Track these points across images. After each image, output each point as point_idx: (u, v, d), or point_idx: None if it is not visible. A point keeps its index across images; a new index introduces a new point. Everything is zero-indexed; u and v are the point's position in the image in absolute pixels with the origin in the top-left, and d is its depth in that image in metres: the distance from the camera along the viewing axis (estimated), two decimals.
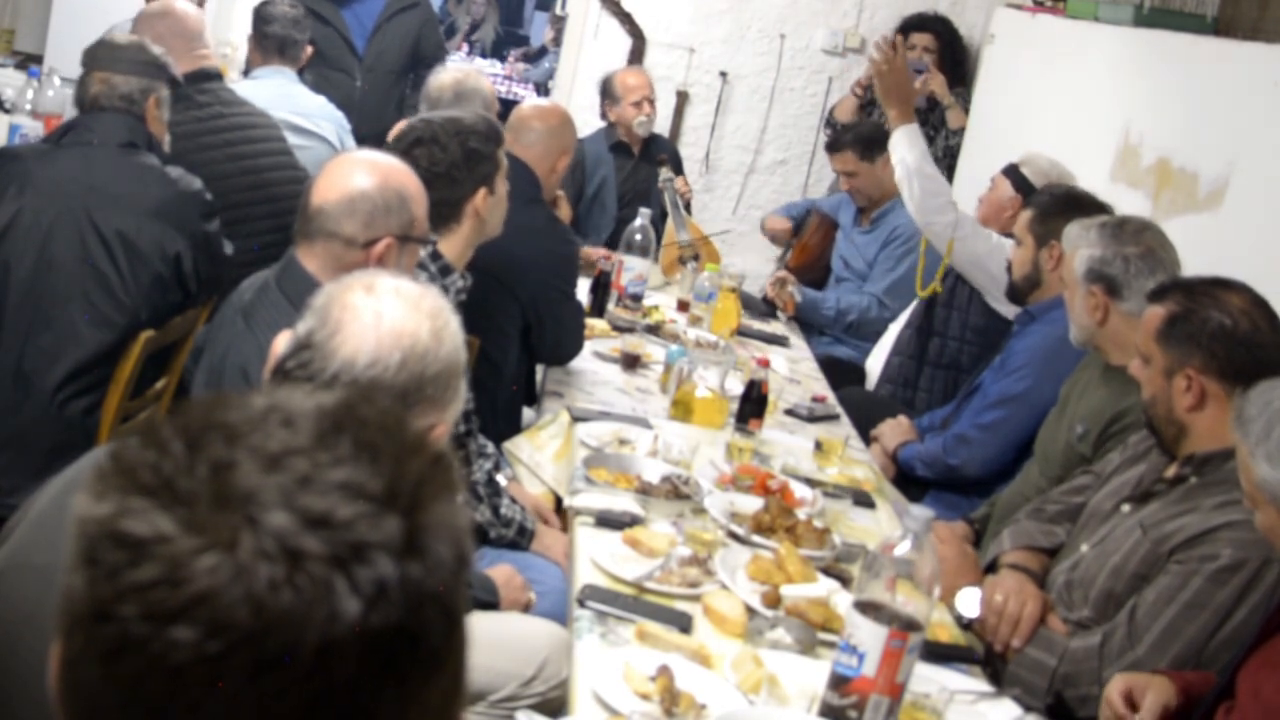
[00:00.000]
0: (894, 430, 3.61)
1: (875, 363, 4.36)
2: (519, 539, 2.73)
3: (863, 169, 4.69)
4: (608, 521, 2.41)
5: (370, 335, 1.57)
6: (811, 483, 2.82)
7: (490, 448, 2.87)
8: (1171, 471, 2.34)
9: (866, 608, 1.79)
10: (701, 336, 3.92)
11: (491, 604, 2.45)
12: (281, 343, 1.64)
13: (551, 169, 3.50)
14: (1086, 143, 4.08)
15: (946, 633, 2.31)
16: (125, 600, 0.70)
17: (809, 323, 4.65)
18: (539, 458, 3.00)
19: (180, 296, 2.99)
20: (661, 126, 5.81)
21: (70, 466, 1.50)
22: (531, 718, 2.07)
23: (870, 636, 1.77)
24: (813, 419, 3.45)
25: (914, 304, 4.17)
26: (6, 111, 4.44)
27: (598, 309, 3.98)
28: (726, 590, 2.20)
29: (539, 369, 3.57)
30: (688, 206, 4.96)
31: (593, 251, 4.43)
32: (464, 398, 1.68)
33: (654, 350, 3.69)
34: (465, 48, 10.39)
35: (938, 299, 3.94)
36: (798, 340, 4.40)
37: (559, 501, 2.91)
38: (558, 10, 8.38)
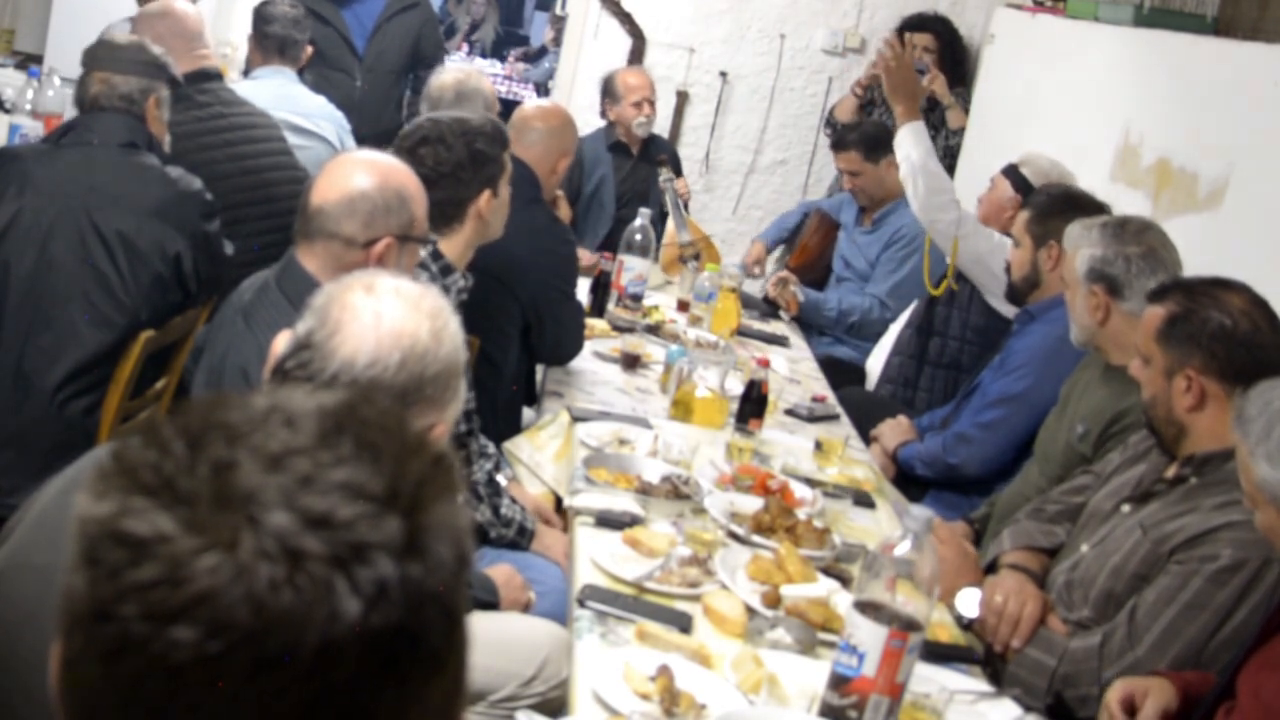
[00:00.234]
0: (894, 430, 3.61)
1: (876, 363, 4.36)
2: (519, 539, 2.73)
3: (867, 169, 4.69)
4: (608, 521, 2.41)
5: (370, 335, 1.57)
6: (811, 483, 2.82)
7: (490, 448, 2.87)
8: (1171, 472, 2.34)
9: (866, 608, 1.79)
10: (701, 336, 3.92)
11: (492, 604, 2.45)
12: (281, 343, 1.64)
13: (552, 170, 3.51)
14: (1086, 143, 4.08)
15: (946, 633, 2.31)
16: (126, 600, 0.70)
17: (810, 323, 4.65)
18: (539, 458, 3.00)
19: (180, 296, 2.99)
20: (661, 126, 5.81)
21: (70, 466, 1.50)
22: (531, 718, 2.07)
23: (870, 636, 1.77)
24: (813, 419, 3.45)
25: (914, 303, 4.17)
26: (6, 111, 4.44)
27: (598, 309, 3.98)
28: (726, 590, 2.20)
29: (539, 369, 3.57)
30: (686, 206, 4.96)
31: (588, 256, 4.43)
32: (464, 398, 1.68)
33: (654, 350, 3.69)
34: (465, 48, 10.39)
35: (939, 298, 3.94)
36: (798, 340, 4.40)
37: (559, 501, 2.91)
38: (558, 10, 8.38)
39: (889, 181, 4.53)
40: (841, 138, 4.86)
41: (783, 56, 6.13)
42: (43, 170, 2.92)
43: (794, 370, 3.95)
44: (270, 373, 1.62)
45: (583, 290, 3.77)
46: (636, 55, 6.09)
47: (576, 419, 2.98)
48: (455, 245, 2.78)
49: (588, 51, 6.12)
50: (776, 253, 5.29)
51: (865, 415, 3.72)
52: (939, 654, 2.17)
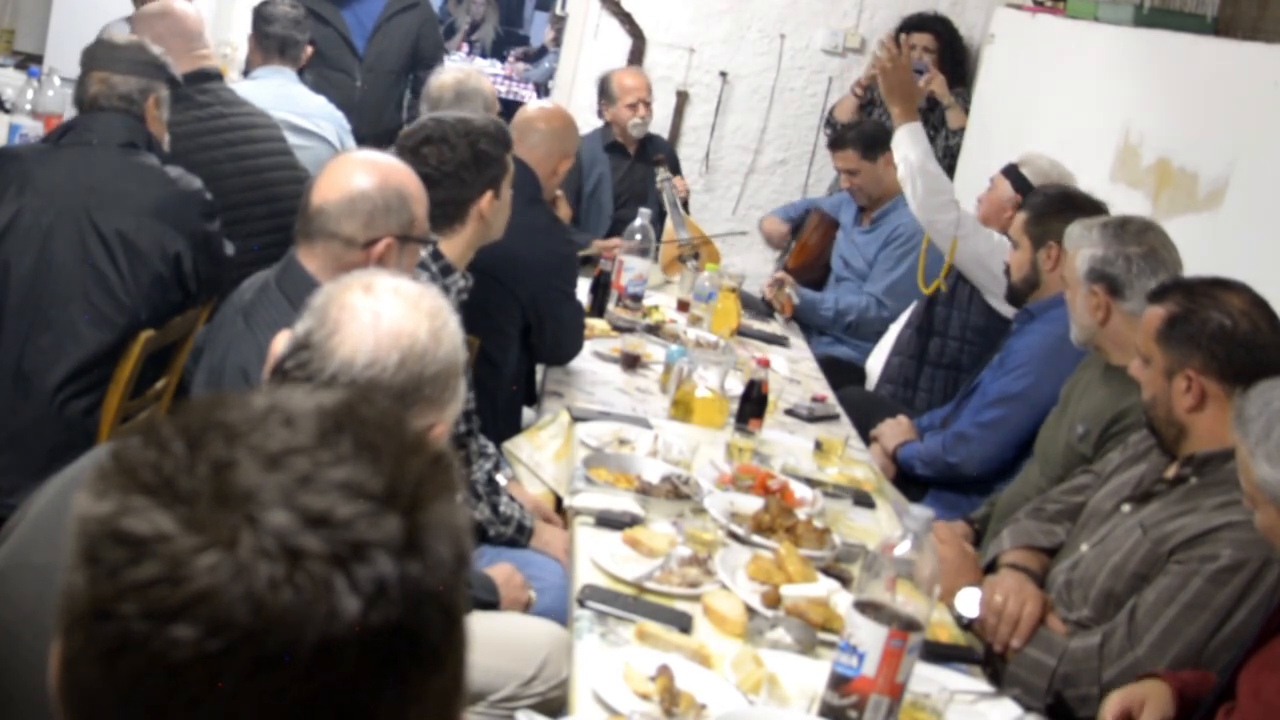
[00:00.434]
0: (894, 430, 3.61)
1: (875, 363, 4.36)
2: (518, 536, 2.73)
3: (864, 168, 4.69)
4: (608, 521, 2.41)
5: (369, 335, 1.57)
6: (811, 483, 2.82)
7: (490, 448, 2.87)
8: (1172, 472, 2.34)
9: (866, 608, 1.79)
10: (701, 336, 3.92)
11: (491, 603, 2.45)
12: (280, 343, 1.64)
13: (553, 171, 3.51)
14: (1086, 143, 4.08)
15: (946, 633, 2.31)
16: (125, 598, 0.70)
17: (807, 323, 4.65)
18: (539, 458, 3.00)
19: (180, 296, 2.99)
20: (661, 126, 5.81)
21: (70, 466, 1.50)
22: (531, 718, 2.07)
23: (870, 636, 1.77)
24: (813, 419, 3.45)
25: (914, 304, 4.17)
26: (6, 111, 4.44)
27: (598, 309, 3.98)
28: (726, 590, 2.20)
29: (539, 369, 3.57)
30: (685, 206, 4.96)
31: (603, 243, 4.43)
32: (463, 398, 1.68)
33: (654, 350, 3.69)
34: (465, 48, 10.39)
35: (938, 299, 3.94)
36: (798, 340, 4.40)
37: (559, 501, 2.91)
38: (558, 10, 8.38)
39: (887, 180, 4.53)
40: (839, 136, 4.86)
41: (783, 56, 6.13)
42: (42, 170, 2.92)
43: (794, 370, 3.95)
44: (270, 373, 1.62)
45: (583, 290, 3.78)
46: (636, 55, 6.09)
47: (576, 419, 2.98)
48: (456, 245, 2.78)
49: (588, 51, 6.12)
50: (776, 253, 5.29)
51: (865, 415, 3.72)
52: (939, 654, 2.17)
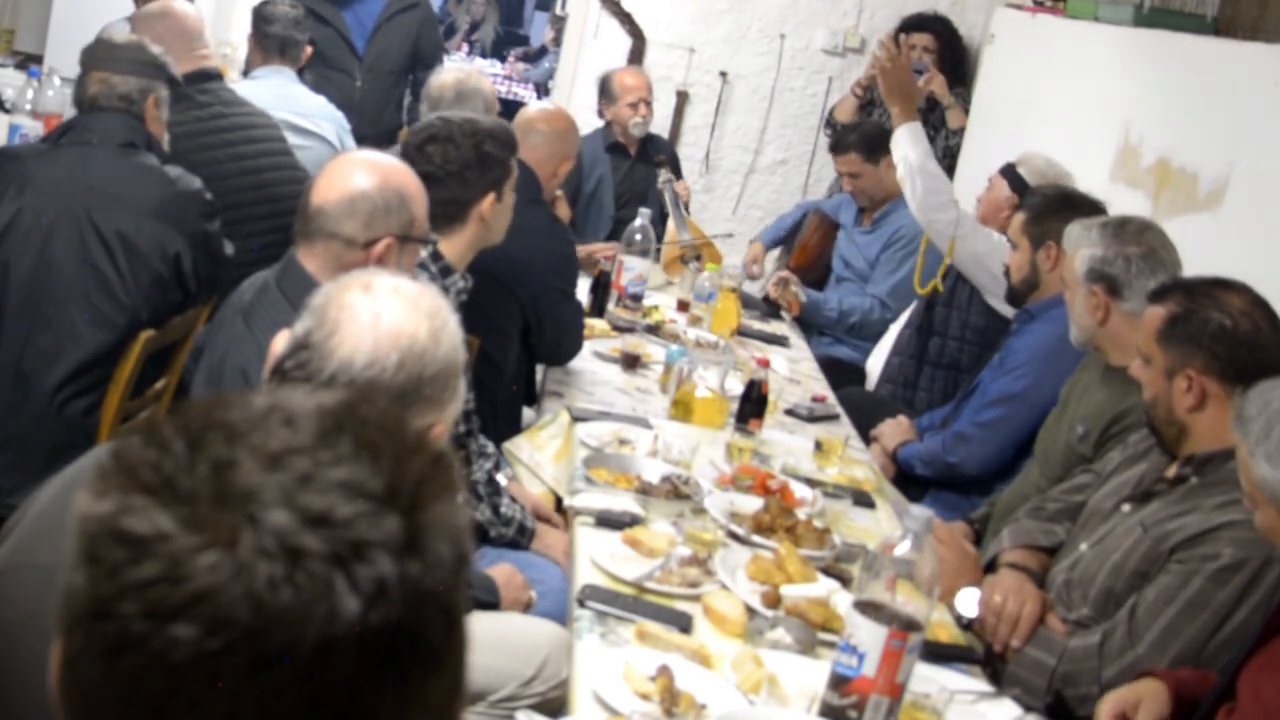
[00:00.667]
0: (894, 430, 3.61)
1: (876, 363, 4.36)
2: (519, 538, 2.73)
3: (866, 170, 4.69)
4: (608, 521, 2.41)
5: (368, 335, 1.57)
6: (811, 483, 2.82)
7: (490, 448, 2.87)
8: (1172, 471, 2.34)
9: (866, 608, 1.79)
10: (701, 336, 3.92)
11: (492, 604, 2.45)
12: (280, 343, 1.63)
13: (553, 173, 3.51)
14: (1086, 143, 4.08)
15: (946, 633, 2.31)
16: (126, 598, 0.70)
17: (811, 323, 4.65)
18: (539, 458, 3.00)
19: (180, 296, 2.99)
20: (661, 126, 5.81)
21: (70, 466, 1.50)
22: (531, 718, 2.07)
23: (870, 636, 1.77)
24: (813, 419, 3.45)
25: (914, 304, 4.17)
26: (6, 111, 4.44)
27: (598, 309, 3.98)
28: (726, 590, 2.20)
29: (539, 369, 3.57)
30: (686, 207, 4.96)
31: (597, 248, 4.43)
32: (463, 398, 1.68)
33: (654, 350, 3.69)
34: (465, 48, 10.39)
35: (938, 299, 3.94)
36: (798, 340, 4.40)
37: (559, 501, 2.91)
38: (558, 10, 8.38)
39: (888, 182, 4.53)
40: (840, 140, 4.86)
41: (783, 56, 6.13)
42: (42, 170, 2.92)
43: (794, 370, 3.95)
44: (269, 373, 1.62)
45: (583, 290, 3.78)
46: (636, 55, 6.09)
47: (576, 419, 2.98)
48: (456, 246, 2.78)
49: (588, 51, 6.12)
50: (775, 253, 5.29)
51: (865, 415, 3.72)
52: (939, 654, 2.17)
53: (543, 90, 8.71)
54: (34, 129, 4.15)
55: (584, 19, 6.13)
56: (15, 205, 2.89)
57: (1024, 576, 2.43)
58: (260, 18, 4.35)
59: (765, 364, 3.09)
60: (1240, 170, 3.24)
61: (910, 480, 3.48)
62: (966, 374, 3.78)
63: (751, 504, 2.57)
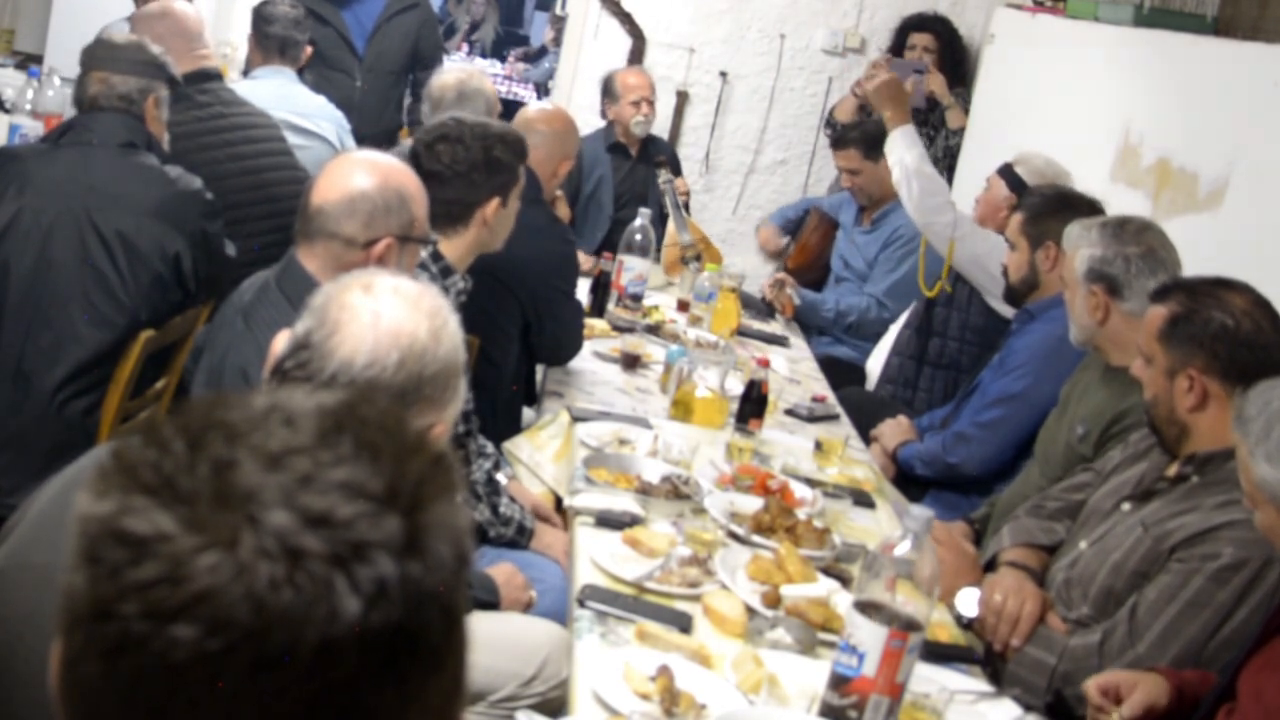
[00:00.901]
0: (894, 430, 3.61)
1: (875, 363, 4.36)
2: (518, 537, 2.73)
3: (866, 167, 4.69)
4: (608, 521, 2.41)
5: (368, 335, 1.57)
6: (811, 483, 2.82)
7: (490, 448, 2.87)
8: (1173, 470, 2.34)
9: (866, 608, 1.79)
10: (701, 336, 3.92)
11: (492, 603, 2.45)
12: (280, 343, 1.63)
13: (553, 173, 3.51)
14: (1086, 143, 4.08)
15: (946, 633, 2.31)
16: (126, 598, 0.70)
17: (808, 323, 4.65)
18: (539, 458, 3.00)
19: (180, 296, 2.99)
20: (661, 126, 5.80)
21: (70, 466, 1.50)
22: (531, 718, 2.07)
23: (870, 636, 1.77)
24: (813, 419, 3.45)
25: (913, 304, 4.17)
26: (6, 111, 4.44)
27: (598, 309, 3.98)
28: (726, 590, 2.20)
29: (539, 369, 3.57)
30: (686, 207, 4.96)
31: (586, 259, 4.43)
32: (463, 398, 1.68)
33: (654, 350, 3.69)
34: (465, 48, 10.39)
35: (938, 299, 3.94)
36: (798, 340, 4.40)
37: (559, 501, 2.91)
38: (558, 10, 8.38)
39: (888, 180, 4.51)
40: (841, 135, 4.87)
41: (783, 56, 6.12)
42: (42, 170, 2.92)
43: (794, 370, 3.95)
44: (269, 372, 1.62)
45: (583, 290, 3.77)
46: (636, 55, 6.08)
47: (576, 419, 2.98)
48: (457, 248, 2.78)
49: (588, 51, 6.12)
50: (785, 240, 5.28)
51: (865, 415, 3.72)
52: (939, 654, 2.17)
53: (543, 90, 8.71)
54: (34, 129, 4.15)
55: (584, 19, 6.13)
56: (15, 205, 2.89)
57: (1024, 575, 2.43)
58: (260, 18, 4.35)
59: (765, 364, 3.09)
60: (1240, 170, 3.24)
61: (910, 480, 3.48)
62: (966, 374, 3.78)
63: (751, 504, 2.57)
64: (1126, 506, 2.39)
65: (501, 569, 2.53)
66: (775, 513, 2.48)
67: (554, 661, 2.32)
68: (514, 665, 2.31)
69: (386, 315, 1.58)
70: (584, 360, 3.52)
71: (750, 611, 2.14)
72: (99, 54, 3.02)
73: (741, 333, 4.17)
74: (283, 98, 4.14)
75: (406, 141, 4.73)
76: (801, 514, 2.54)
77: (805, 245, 5.03)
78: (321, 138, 4.23)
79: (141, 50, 3.04)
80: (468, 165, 2.75)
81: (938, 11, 5.74)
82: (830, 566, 2.39)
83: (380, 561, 0.72)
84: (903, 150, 3.84)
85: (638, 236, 4.11)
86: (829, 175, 5.73)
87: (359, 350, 1.56)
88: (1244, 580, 2.13)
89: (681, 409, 3.12)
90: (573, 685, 1.91)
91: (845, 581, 2.34)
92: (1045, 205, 3.31)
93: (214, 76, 3.68)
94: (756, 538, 2.44)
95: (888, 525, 2.71)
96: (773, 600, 2.17)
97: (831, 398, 3.75)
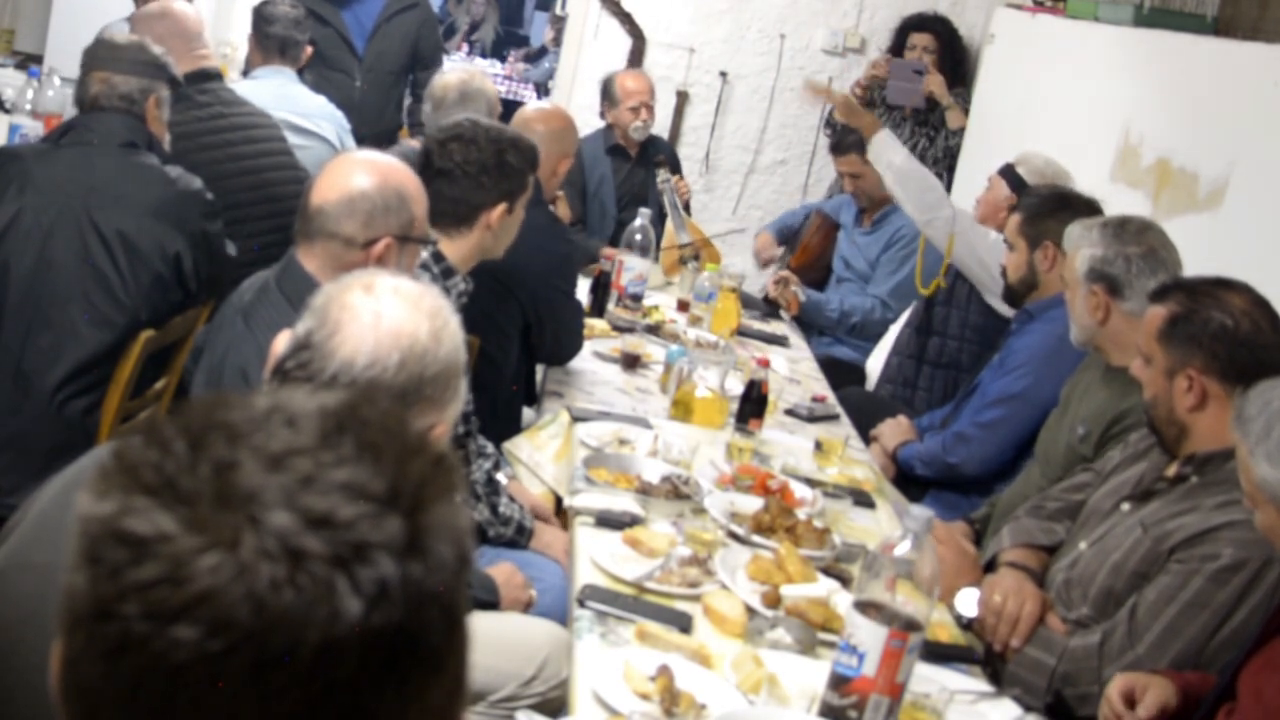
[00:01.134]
0: (894, 430, 3.61)
1: (875, 363, 4.36)
2: (518, 537, 2.73)
3: (867, 171, 4.68)
4: (608, 521, 2.41)
5: (369, 335, 1.57)
6: (811, 483, 2.82)
7: (490, 448, 2.87)
8: (1172, 471, 2.34)
9: (866, 608, 1.79)
10: (701, 336, 3.92)
11: (492, 603, 2.45)
12: (281, 343, 1.63)
13: (552, 172, 3.51)
14: (1086, 143, 4.08)
15: (946, 633, 2.31)
16: (127, 599, 0.70)
17: (811, 323, 4.65)
18: (539, 458, 3.00)
19: (180, 296, 2.99)
20: (661, 127, 5.81)
21: (71, 466, 1.50)
22: (531, 718, 2.07)
23: (870, 636, 1.77)
24: (813, 419, 3.45)
25: (914, 303, 4.17)
26: (6, 111, 4.44)
27: (598, 309, 3.98)
28: (726, 590, 2.20)
29: (539, 369, 3.57)
30: (686, 207, 4.96)
31: (610, 251, 4.43)
32: (464, 398, 1.68)
33: (654, 350, 3.69)
34: (465, 48, 10.39)
35: (937, 298, 3.94)
36: (798, 340, 4.40)
37: (559, 501, 2.91)
38: (558, 10, 8.38)
39: None
40: (841, 141, 4.87)
41: (783, 56, 6.13)
42: (43, 170, 2.92)
43: (794, 370, 3.95)
44: (270, 373, 1.62)
45: (583, 290, 3.77)
46: (636, 55, 6.09)
47: (576, 419, 2.98)
48: (460, 249, 2.78)
49: (588, 51, 6.12)
50: (779, 251, 5.29)
51: (865, 415, 3.72)
52: (939, 654, 2.17)
53: (543, 90, 8.71)
54: (34, 129, 4.15)
55: (584, 19, 6.13)
56: (16, 205, 2.89)
57: (1024, 576, 2.43)
58: (260, 18, 4.35)
59: (765, 364, 3.09)
60: (1240, 170, 3.24)
61: (910, 480, 3.48)
62: (966, 374, 3.78)
63: (751, 504, 2.57)
64: (1126, 507, 2.39)
65: (501, 569, 2.53)
66: (775, 513, 2.48)
67: (554, 661, 2.32)
68: (514, 665, 2.31)
69: (387, 316, 1.58)
70: (584, 360, 3.52)
71: (750, 611, 2.14)
72: (100, 54, 3.02)
73: (741, 333, 4.17)
74: (283, 98, 4.14)
75: (406, 141, 4.75)
76: (801, 514, 2.54)
77: (807, 246, 5.03)
78: (321, 138, 4.23)
79: (143, 50, 3.04)
80: (478, 166, 2.76)
81: (938, 11, 5.74)
82: (830, 566, 2.39)
83: (381, 562, 0.72)
84: (890, 154, 3.87)
85: (638, 236, 4.11)
86: (829, 175, 5.74)
87: (360, 351, 1.56)
88: (1243, 581, 2.13)
89: (681, 409, 3.12)
90: (573, 685, 1.91)
91: (845, 581, 2.34)
92: (1043, 206, 3.31)
93: (214, 76, 3.68)
94: (756, 538, 2.44)
95: (888, 525, 2.71)
96: (773, 600, 2.17)
97: (831, 398, 3.75)
